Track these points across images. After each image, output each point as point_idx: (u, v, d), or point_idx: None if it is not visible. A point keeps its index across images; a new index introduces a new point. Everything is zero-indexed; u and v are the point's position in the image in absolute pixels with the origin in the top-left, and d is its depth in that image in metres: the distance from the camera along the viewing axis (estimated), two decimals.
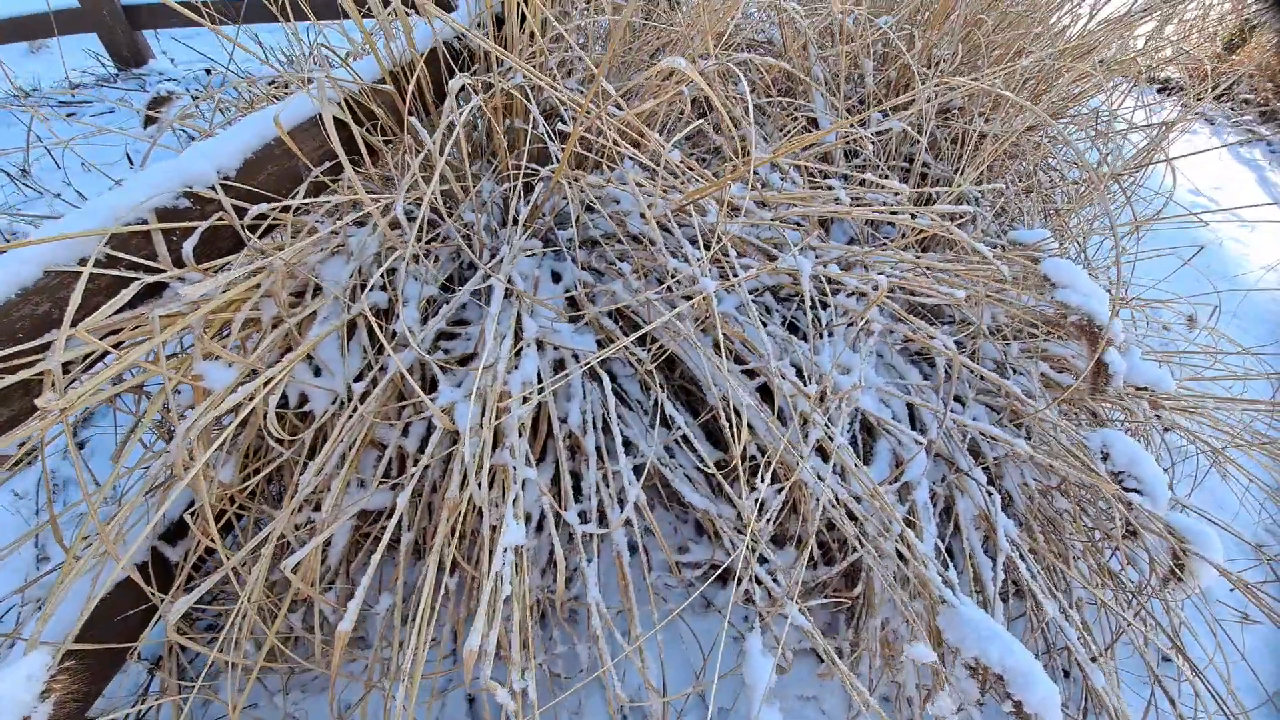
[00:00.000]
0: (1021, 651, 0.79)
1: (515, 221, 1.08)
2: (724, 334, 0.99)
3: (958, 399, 1.24)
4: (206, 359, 0.70)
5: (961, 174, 1.45)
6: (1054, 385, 1.30)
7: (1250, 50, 3.93)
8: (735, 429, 0.84)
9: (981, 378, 1.14)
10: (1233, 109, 3.88)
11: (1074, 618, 1.08)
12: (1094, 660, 1.12)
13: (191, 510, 0.77)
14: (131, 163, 1.89)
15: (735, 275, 0.98)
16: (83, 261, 0.64)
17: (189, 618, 0.84)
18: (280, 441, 0.75)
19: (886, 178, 1.45)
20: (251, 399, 0.68)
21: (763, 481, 0.79)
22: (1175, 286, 1.93)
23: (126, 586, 0.77)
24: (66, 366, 0.62)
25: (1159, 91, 3.68)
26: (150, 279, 0.67)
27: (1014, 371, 1.24)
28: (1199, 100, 3.87)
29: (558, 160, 1.08)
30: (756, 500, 0.80)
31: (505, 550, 0.63)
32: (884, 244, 1.34)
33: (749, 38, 1.46)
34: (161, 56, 2.93)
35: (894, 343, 1.22)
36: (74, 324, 0.61)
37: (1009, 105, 1.51)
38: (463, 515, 0.74)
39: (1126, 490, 1.03)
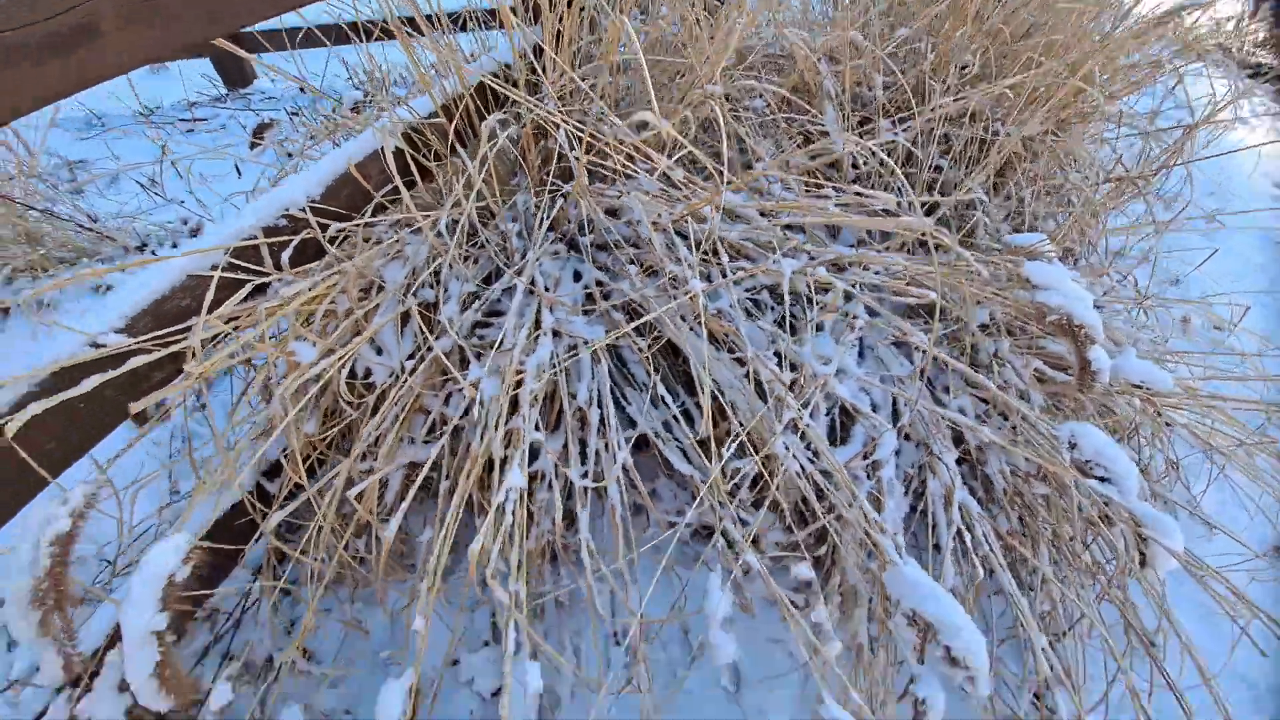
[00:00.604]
0: (953, 606, 0.90)
1: (542, 225, 1.27)
2: (711, 327, 1.14)
3: (947, 389, 1.33)
4: (297, 340, 0.93)
5: (970, 177, 1.52)
6: (1048, 380, 1.37)
7: None
8: (714, 407, 0.99)
9: (959, 371, 1.24)
10: None
11: (1038, 594, 1.17)
12: (1060, 637, 1.20)
13: (285, 452, 1.01)
14: (240, 174, 2.23)
15: (726, 276, 1.13)
16: (214, 268, 0.87)
17: (281, 538, 1.09)
18: (350, 404, 0.97)
19: (888, 185, 1.55)
20: (326, 373, 0.90)
21: (729, 450, 0.94)
22: (1241, 283, 1.90)
23: (238, 508, 1.02)
24: (201, 343, 0.86)
25: (1250, 77, 3.45)
26: (259, 281, 0.90)
27: (1000, 364, 1.32)
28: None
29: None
30: (725, 466, 0.95)
31: (508, 490, 0.82)
32: (884, 247, 1.44)
33: (766, 52, 1.58)
34: (264, 76, 3.33)
35: (883, 338, 1.33)
36: (209, 312, 0.84)
37: (1023, 110, 1.56)
38: (485, 467, 0.94)
39: (1095, 479, 1.10)
